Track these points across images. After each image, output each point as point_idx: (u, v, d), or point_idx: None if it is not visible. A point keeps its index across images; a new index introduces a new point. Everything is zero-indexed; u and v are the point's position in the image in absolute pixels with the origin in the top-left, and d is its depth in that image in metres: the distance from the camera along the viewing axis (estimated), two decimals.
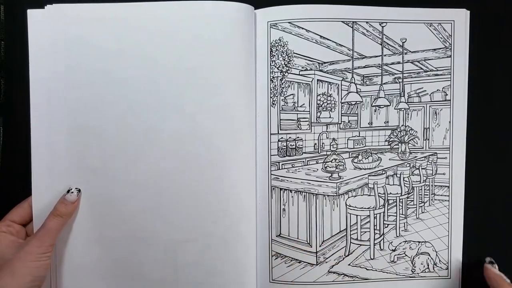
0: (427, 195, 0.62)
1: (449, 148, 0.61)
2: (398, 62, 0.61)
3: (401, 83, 0.62)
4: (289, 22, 0.59)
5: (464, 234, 0.62)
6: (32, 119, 0.57)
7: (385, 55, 0.61)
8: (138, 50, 0.57)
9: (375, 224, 0.63)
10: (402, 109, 0.62)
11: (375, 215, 0.63)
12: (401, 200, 0.64)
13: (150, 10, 0.57)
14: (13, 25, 0.63)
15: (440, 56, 0.61)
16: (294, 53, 0.59)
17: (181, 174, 0.57)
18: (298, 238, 0.60)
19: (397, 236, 0.62)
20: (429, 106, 0.62)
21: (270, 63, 0.59)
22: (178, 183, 0.57)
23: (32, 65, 0.57)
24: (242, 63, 0.57)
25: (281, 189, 0.60)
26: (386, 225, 0.62)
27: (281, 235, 0.60)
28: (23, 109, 0.59)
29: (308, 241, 0.61)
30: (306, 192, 0.62)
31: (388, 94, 0.62)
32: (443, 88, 0.61)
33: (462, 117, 0.61)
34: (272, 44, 0.59)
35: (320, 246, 0.61)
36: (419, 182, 0.64)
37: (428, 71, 0.61)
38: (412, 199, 0.64)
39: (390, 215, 0.63)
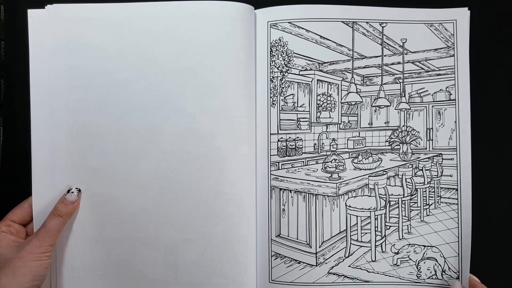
0: (432, 197, 0.61)
1: (456, 149, 0.60)
2: (399, 63, 0.61)
3: (401, 83, 0.62)
4: (289, 22, 0.59)
5: (472, 240, 0.60)
6: (33, 119, 0.57)
7: (385, 56, 0.61)
8: (138, 50, 0.57)
9: (376, 225, 0.62)
10: (403, 110, 0.61)
11: (376, 216, 0.62)
12: (403, 202, 0.62)
13: (150, 10, 0.57)
14: (13, 25, 0.63)
15: (442, 55, 0.60)
16: (294, 53, 0.59)
17: (181, 174, 0.57)
18: (297, 239, 0.60)
19: (400, 239, 0.61)
20: (432, 106, 0.61)
21: (270, 63, 0.59)
22: (178, 183, 0.57)
23: (32, 65, 0.57)
24: (242, 63, 0.57)
25: (280, 189, 0.60)
26: (388, 227, 0.61)
27: (280, 235, 0.60)
28: (23, 109, 0.59)
29: (308, 242, 0.60)
30: (306, 193, 0.62)
31: (388, 95, 0.62)
32: (446, 87, 0.60)
33: (468, 116, 0.60)
34: (272, 44, 0.59)
35: (319, 247, 0.61)
36: (422, 184, 0.62)
37: (429, 71, 0.61)
38: (416, 201, 0.62)
39: (392, 217, 0.62)
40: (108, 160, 0.57)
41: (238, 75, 0.57)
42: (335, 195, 0.62)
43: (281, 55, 0.59)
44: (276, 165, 0.60)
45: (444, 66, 0.60)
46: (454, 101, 0.60)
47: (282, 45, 0.59)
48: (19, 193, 0.59)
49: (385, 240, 0.61)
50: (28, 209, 0.57)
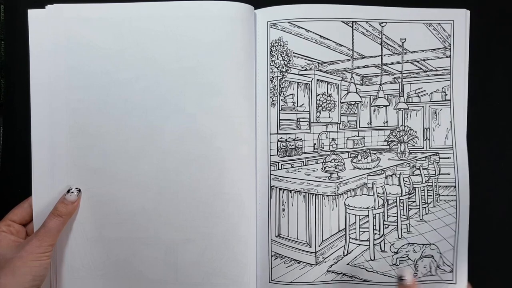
0: (430, 195, 0.61)
1: (452, 148, 0.60)
2: (398, 62, 0.61)
3: (400, 83, 0.62)
4: (288, 22, 0.59)
5: (471, 239, 0.59)
6: (33, 119, 0.57)
7: (384, 55, 0.61)
8: (138, 50, 0.57)
9: (374, 224, 0.62)
10: (402, 109, 0.61)
11: (374, 215, 0.62)
12: (401, 201, 0.62)
13: (150, 10, 0.57)
14: (13, 25, 0.63)
15: (440, 56, 0.60)
16: (293, 53, 0.59)
17: (181, 174, 0.57)
18: (297, 239, 0.60)
19: (399, 238, 0.61)
20: (429, 106, 0.61)
21: (270, 63, 0.59)
22: (178, 183, 0.57)
23: (32, 65, 0.57)
24: (242, 63, 0.57)
25: (280, 189, 0.60)
26: (386, 226, 0.61)
27: (280, 235, 0.60)
28: (23, 109, 0.59)
29: (307, 241, 0.60)
30: (306, 192, 0.62)
31: (387, 94, 0.62)
32: (442, 88, 0.60)
33: (463, 117, 0.60)
34: (272, 44, 0.59)
35: (319, 246, 0.60)
36: (420, 183, 0.62)
37: (427, 71, 0.61)
38: (414, 200, 0.62)
39: (390, 216, 0.61)
40: (108, 160, 0.57)
41: (238, 75, 0.57)
42: (334, 194, 0.62)
43: (280, 55, 0.59)
44: (276, 165, 0.60)
45: (441, 67, 0.60)
46: (449, 102, 0.60)
47: (282, 45, 0.59)
48: (19, 193, 0.59)
49: (384, 239, 0.61)
50: (28, 209, 0.57)
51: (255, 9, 0.59)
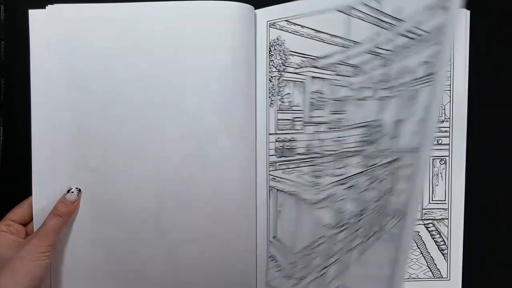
0: (376, 223, 0.42)
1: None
2: (390, 40, 0.50)
3: (389, 65, 0.49)
4: (286, 20, 0.58)
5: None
6: (33, 119, 0.57)
7: (379, 35, 0.51)
8: (139, 50, 0.57)
9: (326, 249, 0.48)
10: (384, 98, 0.48)
11: (323, 240, 0.48)
12: (346, 225, 0.46)
13: (150, 10, 0.57)
14: (13, 25, 0.63)
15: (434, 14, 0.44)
16: (290, 51, 0.58)
17: (181, 174, 0.57)
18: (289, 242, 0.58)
19: (332, 279, 0.47)
20: (409, 87, 0.46)
21: (269, 63, 0.59)
22: (178, 183, 0.57)
23: (33, 65, 0.57)
24: (242, 63, 0.57)
25: (277, 190, 0.60)
26: (330, 256, 0.47)
27: (276, 237, 0.59)
28: (23, 109, 0.60)
29: (292, 246, 0.57)
30: (295, 195, 0.58)
31: (374, 83, 0.51)
32: (432, 54, 0.44)
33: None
34: (271, 43, 0.59)
35: (294, 255, 0.55)
36: (375, 200, 0.43)
37: (418, 35, 0.46)
38: (362, 225, 0.44)
39: (338, 241, 0.46)
40: (108, 160, 0.57)
41: (238, 75, 0.57)
42: (313, 202, 0.54)
43: (278, 54, 0.59)
44: (274, 165, 0.60)
45: (435, 26, 0.44)
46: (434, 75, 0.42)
47: (280, 44, 0.59)
48: (19, 193, 0.59)
49: (326, 273, 0.49)
50: (28, 209, 0.57)
51: (255, 9, 0.59)
